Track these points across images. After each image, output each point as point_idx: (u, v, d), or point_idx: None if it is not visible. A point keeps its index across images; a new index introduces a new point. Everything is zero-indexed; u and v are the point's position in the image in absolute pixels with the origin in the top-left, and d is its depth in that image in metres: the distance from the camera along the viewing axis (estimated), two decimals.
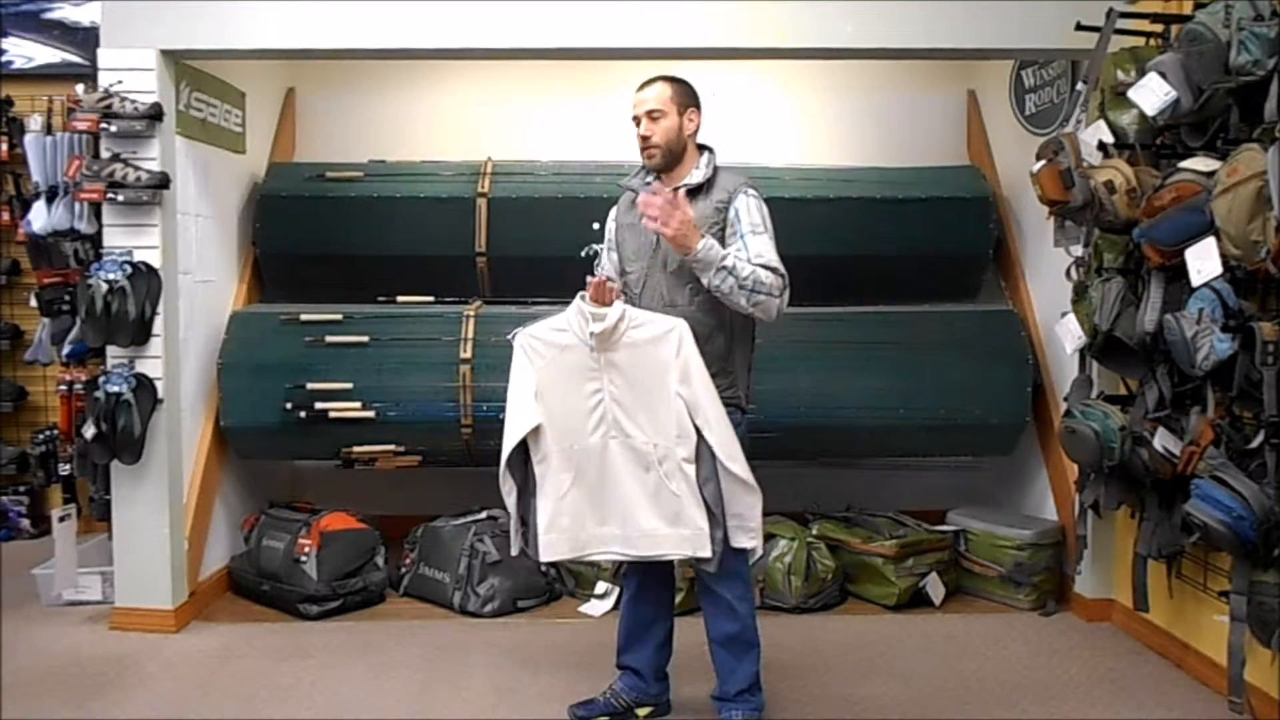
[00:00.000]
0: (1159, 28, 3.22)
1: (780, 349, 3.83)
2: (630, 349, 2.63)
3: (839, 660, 3.39)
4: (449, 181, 4.38)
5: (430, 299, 4.24)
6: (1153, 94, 2.86)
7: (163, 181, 3.50)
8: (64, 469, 4.16)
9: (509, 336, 2.78)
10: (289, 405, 3.92)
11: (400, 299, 4.23)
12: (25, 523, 4.89)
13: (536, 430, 2.68)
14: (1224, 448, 2.72)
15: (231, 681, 3.23)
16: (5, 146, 4.73)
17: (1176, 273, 2.85)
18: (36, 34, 5.01)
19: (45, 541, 4.28)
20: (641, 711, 2.94)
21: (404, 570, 4.08)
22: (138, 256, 3.51)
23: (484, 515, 4.07)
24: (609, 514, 2.68)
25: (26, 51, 5.01)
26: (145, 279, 3.49)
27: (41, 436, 4.70)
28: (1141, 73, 2.97)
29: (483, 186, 4.33)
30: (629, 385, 2.64)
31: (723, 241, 2.69)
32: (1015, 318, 4.26)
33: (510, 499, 2.74)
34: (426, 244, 4.32)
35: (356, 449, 4.01)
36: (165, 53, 3.56)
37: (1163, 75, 2.83)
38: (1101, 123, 3.22)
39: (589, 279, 2.68)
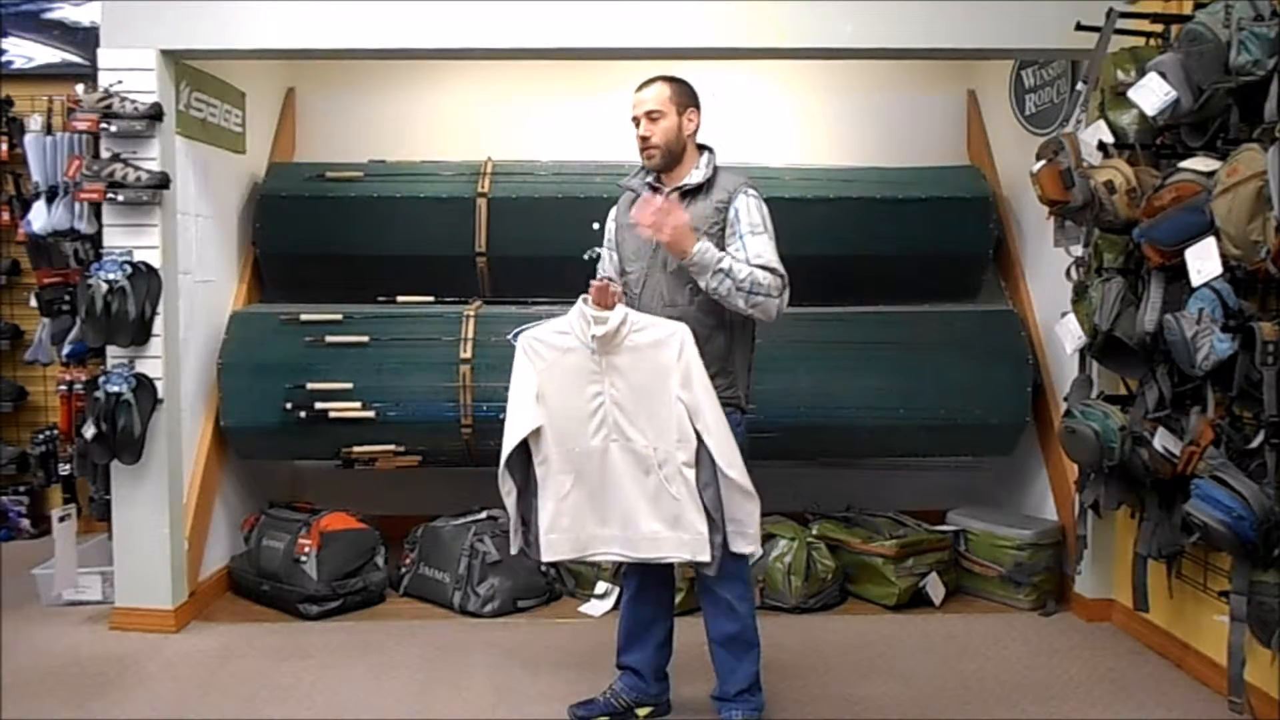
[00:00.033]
0: (1159, 28, 3.22)
1: (780, 349, 3.83)
2: (632, 352, 2.63)
3: (839, 660, 3.39)
4: (449, 181, 4.38)
5: (430, 299, 4.24)
6: (1153, 94, 2.86)
7: (163, 181, 3.50)
8: (64, 469, 4.16)
9: (509, 337, 2.78)
10: (289, 405, 3.92)
11: (400, 299, 4.22)
12: (25, 523, 4.89)
13: (538, 432, 2.69)
14: (1224, 448, 2.72)
15: (231, 681, 3.23)
16: (5, 146, 4.73)
17: (1176, 273, 2.85)
18: (36, 34, 5.01)
19: (45, 541, 4.28)
20: (641, 711, 2.94)
21: (404, 570, 4.08)
22: (138, 256, 3.51)
23: (484, 515, 4.07)
24: (609, 516, 2.69)
25: (26, 51, 5.01)
26: (145, 279, 3.49)
27: (41, 436, 4.71)
28: (1141, 73, 2.97)
29: (483, 186, 4.33)
30: (630, 388, 2.64)
31: (723, 241, 2.70)
32: (1015, 318, 4.26)
33: (510, 499, 2.74)
34: (426, 244, 4.32)
35: (356, 449, 4.01)
36: (165, 53, 3.56)
37: (1163, 75, 2.83)
38: (1101, 123, 3.22)
39: (592, 282, 2.69)
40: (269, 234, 4.36)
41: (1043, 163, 3.22)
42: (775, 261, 2.66)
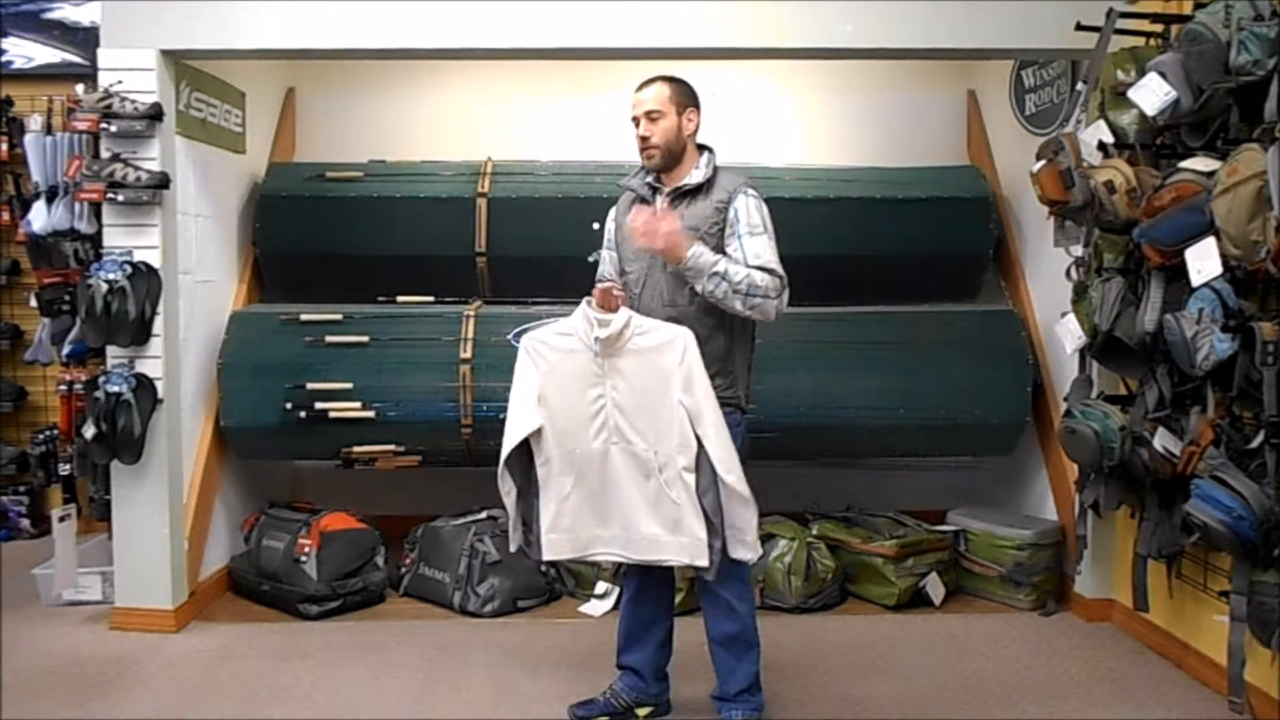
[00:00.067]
0: (1159, 28, 3.22)
1: (780, 349, 3.83)
2: (635, 356, 2.63)
3: (839, 660, 3.39)
4: (449, 181, 4.38)
5: (430, 299, 4.24)
6: (1153, 94, 2.86)
7: (163, 181, 3.50)
8: (64, 469, 4.16)
9: (509, 337, 2.79)
10: (289, 405, 3.92)
11: (400, 299, 4.22)
12: (25, 523, 4.89)
13: (539, 432, 2.69)
14: (1224, 448, 2.72)
15: (231, 681, 3.23)
16: (5, 146, 4.73)
17: (1176, 273, 2.85)
18: (36, 34, 5.01)
19: (45, 541, 4.28)
20: (641, 711, 2.94)
21: (404, 570, 4.08)
22: (138, 256, 3.51)
23: (484, 515, 4.07)
24: (610, 517, 2.70)
25: (26, 51, 5.01)
26: (145, 279, 3.49)
27: (41, 436, 4.71)
28: (1141, 73, 2.97)
29: (483, 186, 4.33)
30: (632, 392, 2.64)
31: (723, 241, 2.70)
32: (1015, 318, 4.26)
33: (509, 498, 2.75)
34: (426, 244, 4.32)
35: (356, 449, 4.01)
36: (165, 53, 3.56)
37: (1163, 75, 2.83)
38: (1101, 123, 3.22)
39: (596, 284, 2.69)
40: (269, 234, 4.36)
41: (1043, 163, 3.22)
42: (773, 262, 2.66)
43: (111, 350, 3.54)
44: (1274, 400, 2.55)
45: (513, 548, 2.82)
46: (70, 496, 4.34)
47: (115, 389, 3.45)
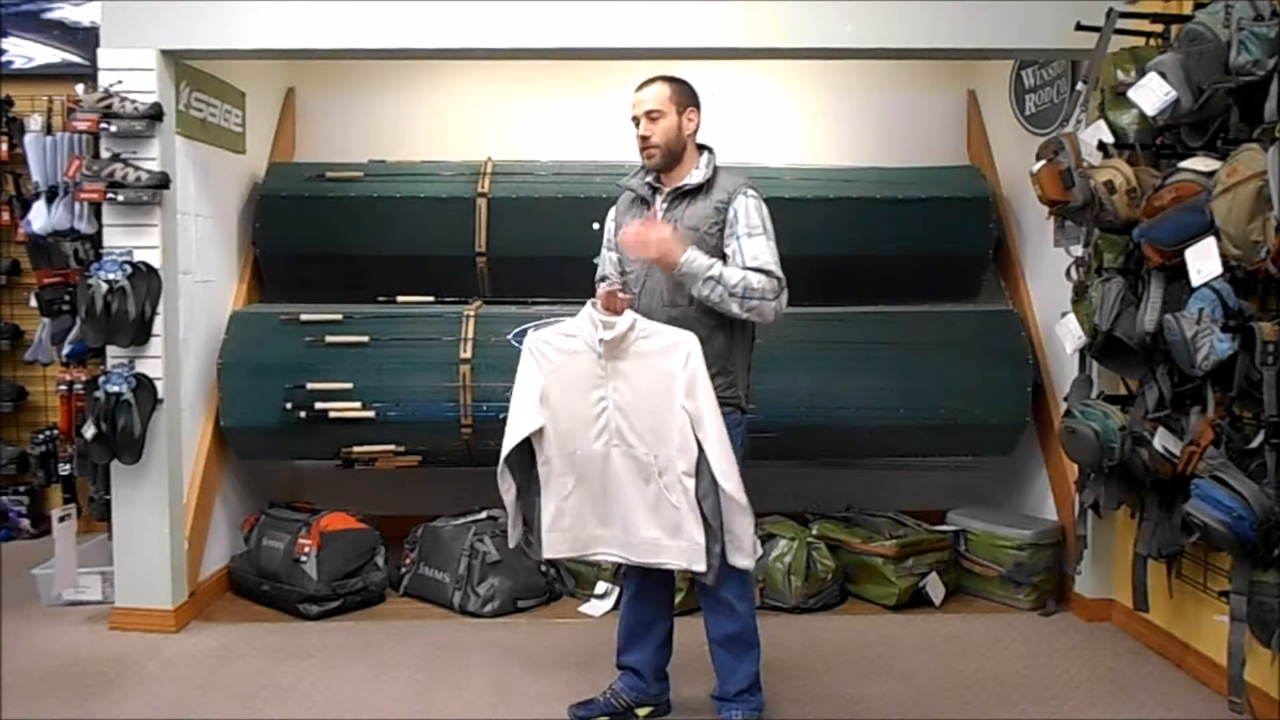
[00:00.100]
0: (1159, 28, 3.22)
1: (780, 349, 3.83)
2: (638, 359, 2.63)
3: (839, 660, 3.39)
4: (449, 181, 4.38)
5: (430, 299, 4.24)
6: (1153, 94, 2.86)
7: (163, 181, 3.50)
8: (64, 469, 4.16)
9: (509, 337, 2.78)
10: (289, 405, 3.92)
11: (400, 299, 4.23)
12: (25, 523, 4.89)
13: (540, 432, 2.70)
14: (1224, 448, 2.72)
15: (231, 681, 3.23)
16: (5, 146, 4.73)
17: (1176, 273, 2.85)
18: (36, 34, 5.01)
19: (45, 541, 4.28)
20: (641, 711, 2.94)
21: (404, 570, 4.08)
22: (138, 256, 3.51)
23: (484, 515, 4.07)
24: (611, 518, 2.70)
25: (26, 51, 5.01)
26: (145, 279, 3.49)
27: (41, 436, 4.71)
28: (1141, 73, 2.97)
29: (483, 186, 4.33)
30: (634, 395, 2.64)
31: (722, 241, 2.70)
32: (1015, 318, 4.26)
33: (509, 496, 2.76)
34: (426, 244, 4.32)
35: (356, 449, 4.01)
36: (165, 53, 3.56)
37: (1163, 75, 2.83)
38: (1101, 123, 3.22)
39: (602, 286, 2.69)
40: (269, 234, 4.36)
41: (1043, 163, 3.22)
42: (772, 264, 2.66)
43: (111, 350, 3.54)
44: (1274, 400, 2.55)
45: (511, 544, 2.83)
46: (70, 496, 4.34)
47: (115, 389, 3.45)
